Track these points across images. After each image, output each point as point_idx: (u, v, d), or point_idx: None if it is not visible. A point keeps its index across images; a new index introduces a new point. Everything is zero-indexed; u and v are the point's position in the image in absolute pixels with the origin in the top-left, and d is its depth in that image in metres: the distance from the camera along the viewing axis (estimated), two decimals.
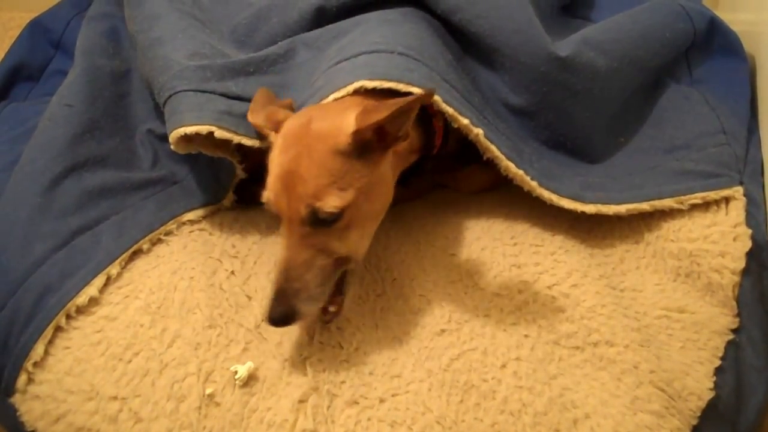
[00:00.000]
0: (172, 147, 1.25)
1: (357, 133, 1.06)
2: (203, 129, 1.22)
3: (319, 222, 1.07)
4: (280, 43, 1.41)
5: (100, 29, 1.65)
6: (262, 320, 1.17)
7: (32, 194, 1.28)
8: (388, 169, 1.15)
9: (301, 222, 1.08)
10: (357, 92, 1.19)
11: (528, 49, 1.34)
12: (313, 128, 1.10)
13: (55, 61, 1.85)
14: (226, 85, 1.30)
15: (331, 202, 1.06)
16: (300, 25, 1.44)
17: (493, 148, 1.25)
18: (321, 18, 1.43)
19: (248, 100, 1.28)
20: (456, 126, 1.23)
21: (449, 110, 1.21)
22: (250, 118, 1.21)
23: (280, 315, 1.07)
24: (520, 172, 1.26)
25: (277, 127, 1.16)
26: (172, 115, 1.26)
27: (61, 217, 1.27)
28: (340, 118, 1.09)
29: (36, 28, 1.89)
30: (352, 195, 1.08)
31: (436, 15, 1.39)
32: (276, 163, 1.11)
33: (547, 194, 1.28)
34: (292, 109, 1.25)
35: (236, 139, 1.25)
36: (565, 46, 1.35)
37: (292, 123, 1.14)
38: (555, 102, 1.37)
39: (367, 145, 1.08)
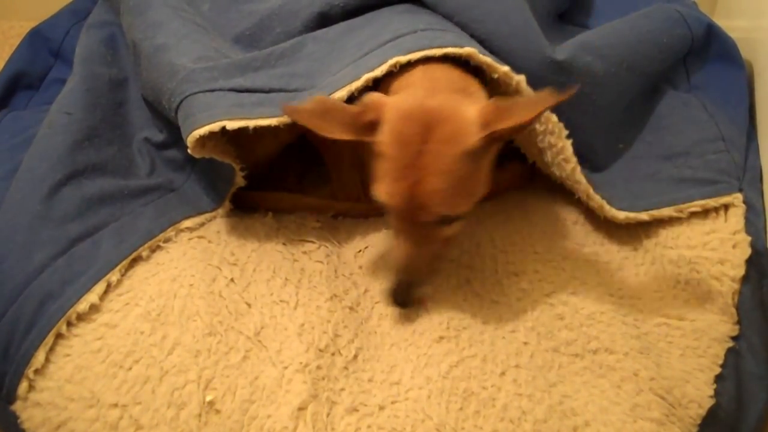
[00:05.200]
0: (189, 151, 1.25)
1: (489, 137, 1.08)
2: (215, 126, 1.21)
3: (443, 222, 1.14)
4: (288, 41, 1.40)
5: (99, 37, 1.64)
6: (382, 301, 1.27)
7: (32, 202, 1.28)
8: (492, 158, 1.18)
9: (426, 224, 1.13)
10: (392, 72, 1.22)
11: (525, 54, 1.33)
12: (435, 129, 1.09)
13: (55, 69, 1.84)
14: (235, 81, 1.29)
15: (462, 208, 1.13)
16: (303, 34, 1.44)
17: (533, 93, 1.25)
18: (324, 25, 1.44)
19: (259, 91, 1.28)
20: (495, 76, 1.24)
21: (487, 60, 1.22)
22: (323, 129, 1.13)
23: (401, 302, 1.21)
24: (561, 123, 1.27)
25: (372, 126, 1.14)
26: (186, 119, 1.26)
27: (60, 224, 1.27)
28: (460, 114, 1.10)
29: (35, 37, 1.88)
30: (477, 198, 1.15)
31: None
32: (396, 165, 1.11)
33: (574, 161, 1.29)
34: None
35: (252, 123, 1.22)
36: (563, 51, 1.35)
37: (401, 121, 1.12)
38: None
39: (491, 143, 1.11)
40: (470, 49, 1.22)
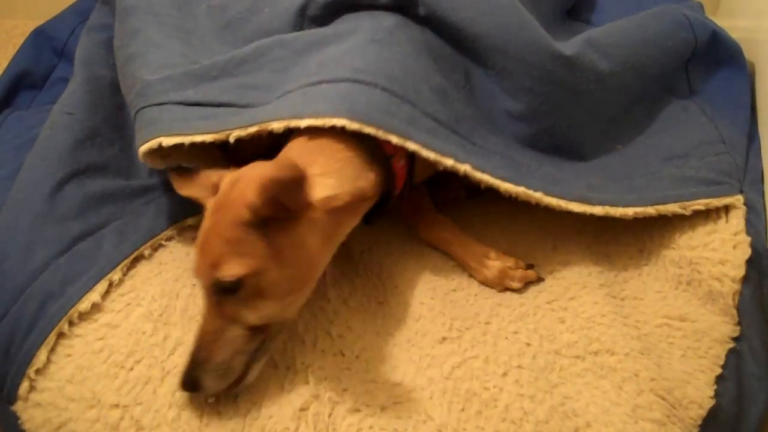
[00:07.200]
0: (149, 166, 1.24)
1: (253, 207, 1.01)
2: (154, 143, 1.19)
3: (223, 291, 1.05)
4: (252, 44, 1.36)
5: (100, 40, 1.64)
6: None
7: (34, 201, 1.29)
8: (306, 233, 1.08)
9: (210, 292, 1.06)
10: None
11: (534, 47, 1.32)
12: (231, 194, 1.06)
13: (59, 69, 1.85)
14: (185, 94, 1.26)
15: (227, 270, 1.03)
16: (288, 13, 1.41)
17: (486, 177, 1.20)
18: (307, 8, 1.41)
19: (208, 105, 1.25)
20: (441, 168, 1.19)
21: (431, 155, 1.16)
22: (183, 192, 1.16)
23: (186, 384, 1.06)
24: (521, 188, 1.22)
25: (215, 190, 1.12)
26: (137, 133, 1.25)
27: (62, 223, 1.27)
28: (250, 179, 1.03)
29: (40, 37, 1.89)
30: (254, 263, 1.03)
31: (431, 19, 1.35)
32: (201, 229, 1.09)
33: (555, 201, 1.24)
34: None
35: (187, 140, 1.19)
36: (570, 46, 1.34)
37: (224, 186, 1.10)
38: (556, 103, 1.35)
39: (271, 215, 1.03)
40: (416, 146, 1.15)
